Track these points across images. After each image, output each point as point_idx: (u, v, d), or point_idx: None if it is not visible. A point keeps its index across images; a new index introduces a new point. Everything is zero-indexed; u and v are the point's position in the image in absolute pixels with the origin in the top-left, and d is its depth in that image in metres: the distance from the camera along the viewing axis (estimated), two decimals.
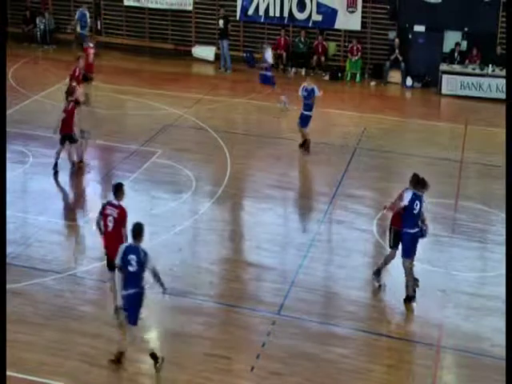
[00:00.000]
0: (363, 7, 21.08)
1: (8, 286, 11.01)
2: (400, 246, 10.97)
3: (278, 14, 21.77)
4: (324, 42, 21.49)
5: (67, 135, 14.62)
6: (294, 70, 21.78)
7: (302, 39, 21.69)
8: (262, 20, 22.04)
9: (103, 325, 10.34)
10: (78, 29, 21.66)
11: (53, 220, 13.15)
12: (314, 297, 11.25)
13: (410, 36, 20.97)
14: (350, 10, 21.12)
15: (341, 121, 18.46)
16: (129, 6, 23.10)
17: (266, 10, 21.84)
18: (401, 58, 20.89)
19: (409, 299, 10.96)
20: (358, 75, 21.34)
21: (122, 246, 9.38)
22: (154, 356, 9.44)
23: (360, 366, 9.71)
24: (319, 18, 21.43)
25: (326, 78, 21.34)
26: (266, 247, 12.51)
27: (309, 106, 16.07)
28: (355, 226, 13.22)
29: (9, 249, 12.14)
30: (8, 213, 13.45)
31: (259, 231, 12.95)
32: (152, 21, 23.21)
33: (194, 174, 15.00)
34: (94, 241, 12.56)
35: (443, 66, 20.47)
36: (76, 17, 21.84)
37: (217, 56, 22.16)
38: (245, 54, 22.36)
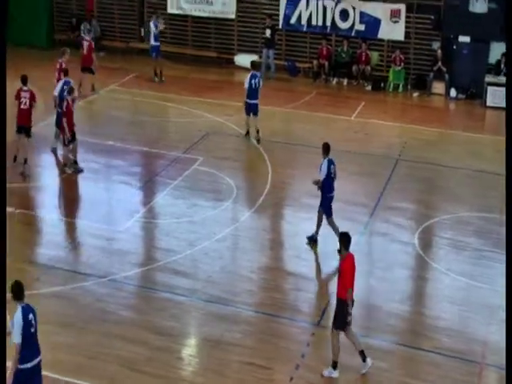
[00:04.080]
0: (407, 17, 20.92)
1: (51, 289, 11.28)
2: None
3: (320, 23, 21.73)
4: (367, 52, 21.38)
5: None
6: (336, 79, 21.71)
7: (345, 49, 21.61)
8: (305, 29, 22.03)
9: (143, 330, 10.42)
10: (152, 41, 21.32)
11: (95, 225, 13.30)
12: (353, 309, 11.08)
13: (454, 47, 20.73)
14: (394, 19, 20.99)
15: (383, 131, 18.33)
16: (172, 14, 23.32)
17: (309, 19, 21.82)
18: (444, 69, 20.66)
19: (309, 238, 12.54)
20: (400, 85, 21.17)
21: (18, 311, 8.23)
22: None
23: (399, 381, 9.60)
24: (362, 27, 21.33)
25: (369, 87, 21.22)
26: (306, 257, 12.47)
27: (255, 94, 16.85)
28: (396, 239, 13.09)
29: (52, 252, 12.40)
30: (51, 216, 13.84)
31: (299, 241, 12.90)
32: (195, 29, 23.39)
33: (234, 182, 15.04)
34: (135, 246, 12.76)
35: (488, 78, 20.18)
36: (148, 28, 21.66)
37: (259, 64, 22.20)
38: (287, 63, 22.38)
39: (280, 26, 22.16)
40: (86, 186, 14.87)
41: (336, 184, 15.10)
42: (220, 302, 11.22)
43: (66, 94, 15.11)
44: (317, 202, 14.34)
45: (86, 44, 19.37)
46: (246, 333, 10.52)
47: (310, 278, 11.87)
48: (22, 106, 14.94)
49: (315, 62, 21.73)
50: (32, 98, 14.95)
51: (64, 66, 16.88)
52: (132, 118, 18.60)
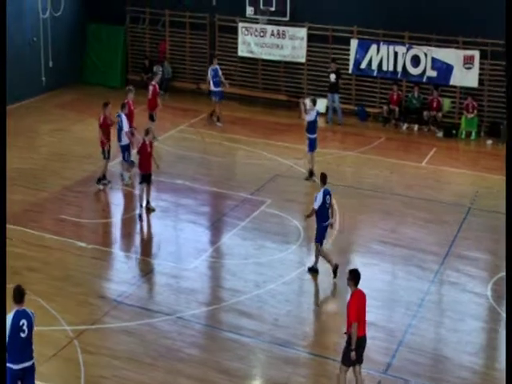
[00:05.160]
0: (480, 63, 20.69)
1: (120, 325, 11.41)
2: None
3: (391, 69, 21.71)
4: (438, 98, 21.20)
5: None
6: (406, 125, 21.57)
7: (416, 95, 21.49)
8: (375, 74, 22.05)
9: (209, 370, 10.41)
10: (212, 86, 21.52)
11: (163, 262, 13.46)
12: (423, 359, 10.88)
13: None
14: (467, 66, 20.79)
15: (454, 179, 18.01)
16: (243, 57, 23.73)
17: (379, 64, 21.83)
18: None
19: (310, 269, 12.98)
20: (473, 133, 20.83)
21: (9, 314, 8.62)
22: None
23: None
24: (434, 73, 21.19)
25: (440, 134, 20.95)
26: (373, 303, 12.18)
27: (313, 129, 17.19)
28: (468, 289, 12.74)
29: (121, 288, 12.57)
30: (121, 253, 14.08)
31: (366, 286, 12.50)
32: (265, 72, 23.72)
33: (302, 225, 15.00)
34: (202, 285, 12.81)
35: None
36: (208, 74, 21.71)
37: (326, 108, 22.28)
38: (356, 108, 22.41)
39: (350, 71, 22.26)
40: (156, 224, 15.08)
41: (403, 230, 14.94)
42: (286, 346, 11.12)
43: (144, 135, 15.50)
44: (386, 248, 14.24)
45: (150, 88, 19.55)
46: (311, 377, 10.40)
47: (377, 325, 11.62)
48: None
49: (385, 107, 21.68)
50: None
51: (131, 103, 17.45)
52: (201, 158, 18.88)
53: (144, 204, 15.27)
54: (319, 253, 13.01)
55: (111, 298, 12.16)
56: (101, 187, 16.58)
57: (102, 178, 16.69)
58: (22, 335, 8.59)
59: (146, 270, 13.34)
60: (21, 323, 8.56)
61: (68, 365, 10.42)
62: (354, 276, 9.63)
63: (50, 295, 12.10)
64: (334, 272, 12.89)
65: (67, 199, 16.09)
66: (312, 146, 17.28)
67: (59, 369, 10.40)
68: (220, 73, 21.75)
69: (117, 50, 25.12)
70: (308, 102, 17.80)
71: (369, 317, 11.73)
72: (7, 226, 14.47)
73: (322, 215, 12.81)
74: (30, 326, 8.66)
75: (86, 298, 12.13)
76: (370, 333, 11.23)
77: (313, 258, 13.22)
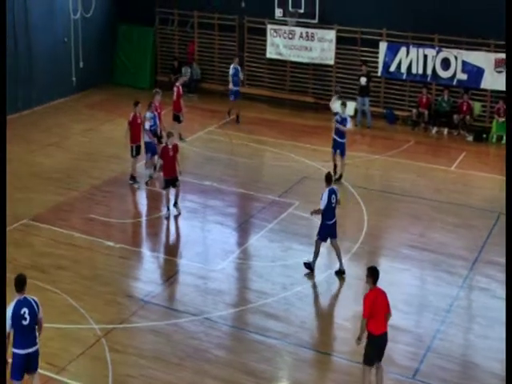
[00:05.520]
0: None
1: (147, 324, 11.46)
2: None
3: (420, 72, 21.55)
4: (469, 102, 20.98)
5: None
6: (435, 129, 21.39)
7: (446, 98, 21.29)
8: (404, 77, 21.90)
9: (235, 371, 10.41)
10: (231, 85, 21.69)
11: (191, 263, 13.48)
12: (451, 365, 10.77)
13: None
14: (498, 69, 20.55)
15: (484, 184, 17.80)
16: (271, 59, 23.73)
17: (409, 67, 21.68)
18: None
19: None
20: (504, 137, 20.61)
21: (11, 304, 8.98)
22: None
23: None
24: (464, 76, 20.99)
25: (470, 138, 20.73)
26: (402, 308, 12.13)
27: (342, 133, 17.10)
28: (498, 295, 12.56)
29: (148, 287, 12.62)
30: (149, 253, 14.15)
31: (394, 291, 12.53)
32: (293, 74, 23.69)
33: None
34: (229, 287, 12.81)
35: None
36: (230, 73, 21.90)
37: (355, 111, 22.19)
38: (385, 111, 22.27)
39: (379, 74, 22.14)
40: (184, 224, 15.12)
41: (432, 234, 14.79)
42: (313, 349, 11.09)
43: (166, 139, 15.56)
44: (415, 253, 14.13)
45: (175, 89, 19.63)
46: (339, 381, 10.32)
47: (406, 330, 11.53)
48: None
49: (414, 110, 21.52)
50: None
51: (157, 106, 17.56)
52: (228, 159, 18.91)
53: (171, 206, 15.29)
54: (316, 245, 13.11)
55: (139, 298, 12.21)
56: (136, 185, 16.77)
57: (133, 176, 16.85)
58: (24, 323, 8.92)
59: (174, 271, 13.39)
60: (22, 311, 8.91)
61: (96, 363, 10.48)
62: (373, 273, 9.74)
63: (78, 294, 12.20)
64: (307, 266, 13.19)
65: (96, 198, 16.22)
66: (343, 149, 17.26)
67: (87, 367, 10.47)
68: (240, 73, 21.93)
69: (146, 51, 25.28)
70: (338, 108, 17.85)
71: (397, 321, 11.71)
72: (37, 224, 14.75)
73: (328, 214, 12.96)
74: (33, 314, 8.97)
75: (114, 297, 12.21)
76: (397, 337, 11.24)
77: (342, 262, 13.23)
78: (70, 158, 18.63)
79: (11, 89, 21.35)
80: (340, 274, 13.14)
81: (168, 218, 15.13)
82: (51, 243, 13.96)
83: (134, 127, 16.74)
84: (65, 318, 11.49)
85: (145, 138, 16.91)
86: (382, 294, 9.72)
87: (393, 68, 21.93)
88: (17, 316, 8.89)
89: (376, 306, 9.58)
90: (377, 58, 22.06)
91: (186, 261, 13.59)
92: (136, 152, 16.85)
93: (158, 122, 17.07)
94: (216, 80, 24.78)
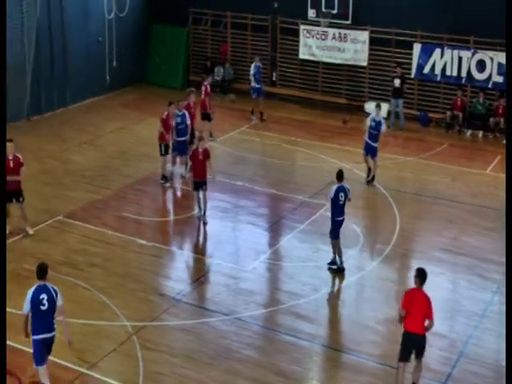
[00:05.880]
0: None
1: (178, 323, 11.50)
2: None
3: (455, 74, 21.31)
4: (505, 104, 20.68)
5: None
6: (470, 131, 21.13)
7: (481, 100, 21.02)
8: (438, 79, 21.68)
9: (265, 371, 10.40)
10: (253, 83, 22.00)
11: (222, 263, 13.50)
12: (485, 371, 10.64)
13: None
14: None
15: None
16: (304, 60, 23.66)
17: (443, 69, 21.47)
18: None
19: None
20: None
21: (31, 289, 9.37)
22: None
23: None
24: (500, 79, 20.68)
25: (505, 141, 20.47)
26: (434, 312, 11.99)
27: (375, 137, 16.92)
28: None
29: (180, 286, 12.68)
30: (180, 252, 14.22)
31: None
32: (326, 75, 23.60)
33: (361, 229, 14.86)
34: (260, 287, 12.81)
35: None
36: (251, 71, 22.19)
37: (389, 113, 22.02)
38: (418, 113, 22.08)
39: (412, 76, 21.95)
40: (215, 224, 15.13)
41: (465, 238, 14.61)
42: (343, 351, 11.04)
43: (196, 142, 15.61)
44: (448, 256, 13.98)
45: (203, 88, 19.70)
46: None
47: (438, 334, 11.38)
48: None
49: (448, 112, 21.29)
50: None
51: (191, 105, 17.69)
52: (260, 160, 18.91)
53: (202, 207, 15.30)
54: (334, 247, 13.21)
55: (170, 296, 12.26)
56: (167, 184, 16.89)
57: (165, 176, 16.96)
58: (42, 308, 9.21)
59: (205, 270, 13.43)
60: (41, 297, 9.22)
61: (127, 360, 10.54)
62: (418, 274, 9.91)
63: (110, 291, 12.30)
64: (332, 268, 13.18)
65: (128, 197, 16.34)
66: (375, 153, 17.16)
67: (118, 364, 10.54)
68: (261, 69, 22.30)
69: (179, 50, 25.40)
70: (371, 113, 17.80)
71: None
72: (71, 221, 14.90)
73: (336, 210, 13.07)
74: (51, 301, 9.26)
75: (146, 295, 12.28)
76: (430, 342, 11.02)
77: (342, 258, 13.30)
78: (103, 156, 18.80)
79: (47, 88, 21.69)
80: (339, 270, 13.21)
81: (200, 218, 15.17)
82: (84, 240, 14.10)
83: (166, 126, 16.85)
84: (97, 315, 11.59)
85: (172, 136, 16.99)
86: (422, 296, 9.78)
87: (427, 70, 21.72)
88: (35, 301, 9.22)
89: (412, 304, 9.70)
90: (410, 59, 21.88)
91: (218, 260, 13.62)
92: (165, 150, 16.94)
93: (186, 122, 17.07)
94: (249, 80, 24.75)
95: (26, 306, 9.25)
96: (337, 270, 13.17)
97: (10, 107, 19.16)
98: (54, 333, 9.40)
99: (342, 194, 13.02)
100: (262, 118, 21.78)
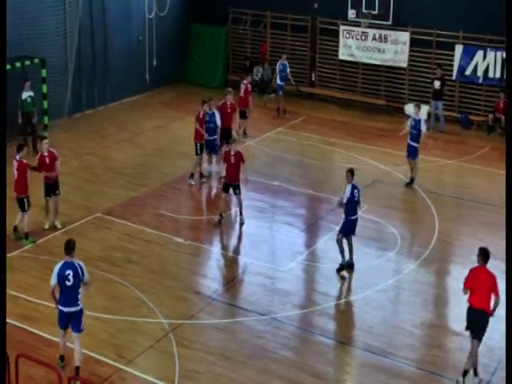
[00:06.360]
0: None
1: (212, 321, 11.54)
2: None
3: (497, 76, 20.98)
4: None
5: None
6: None
7: None
8: (480, 81, 21.38)
9: (300, 372, 10.36)
10: (278, 80, 22.33)
11: (258, 263, 13.49)
12: None
13: None
14: None
15: None
16: (343, 61, 23.53)
17: (485, 71, 21.16)
18: None
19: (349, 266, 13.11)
20: None
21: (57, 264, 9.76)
22: None
23: None
24: None
25: None
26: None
27: (415, 137, 16.80)
28: None
29: (216, 285, 12.71)
30: (217, 251, 14.26)
31: (465, 300, 12.27)
32: (365, 76, 23.44)
33: (399, 232, 14.72)
34: (296, 288, 12.77)
35: None
36: (277, 68, 22.49)
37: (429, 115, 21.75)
38: (460, 115, 21.78)
39: (454, 77, 21.67)
40: (252, 224, 15.13)
41: (502, 242, 14.35)
42: (379, 354, 10.92)
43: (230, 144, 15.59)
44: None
45: (242, 87, 19.84)
46: None
47: None
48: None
49: (490, 115, 20.97)
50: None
51: (228, 105, 17.78)
52: (298, 160, 18.87)
53: (234, 209, 15.27)
54: (339, 244, 13.12)
55: (206, 295, 12.30)
56: (202, 180, 17.09)
57: (201, 175, 17.10)
58: (68, 283, 9.61)
59: (241, 269, 13.45)
60: (67, 273, 9.59)
61: (163, 357, 10.60)
62: (481, 253, 10.23)
63: (147, 288, 12.38)
64: (340, 269, 13.08)
65: (166, 195, 16.45)
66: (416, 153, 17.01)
67: (155, 361, 10.60)
68: (288, 69, 22.52)
69: (218, 50, 25.49)
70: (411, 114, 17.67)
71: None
72: (110, 218, 15.06)
73: (350, 209, 13.05)
74: (77, 277, 9.63)
75: (182, 293, 12.33)
76: (468, 347, 10.92)
77: (353, 257, 13.31)
78: (141, 153, 18.96)
79: (88, 85, 21.98)
80: (350, 267, 13.17)
81: (219, 222, 15.03)
82: (122, 237, 14.23)
83: (200, 124, 16.92)
84: (134, 311, 11.68)
85: (205, 135, 17.02)
86: (486, 273, 10.08)
87: (468, 71, 21.43)
88: (61, 276, 9.62)
89: (476, 281, 10.04)
90: (452, 61, 21.61)
91: (254, 260, 13.60)
92: (200, 150, 16.97)
93: (216, 121, 17.02)
94: (287, 80, 24.72)
95: (53, 280, 9.68)
96: (340, 269, 13.11)
97: (52, 105, 19.49)
98: (78, 307, 9.74)
99: (356, 191, 13.07)
100: (284, 112, 22.16)
